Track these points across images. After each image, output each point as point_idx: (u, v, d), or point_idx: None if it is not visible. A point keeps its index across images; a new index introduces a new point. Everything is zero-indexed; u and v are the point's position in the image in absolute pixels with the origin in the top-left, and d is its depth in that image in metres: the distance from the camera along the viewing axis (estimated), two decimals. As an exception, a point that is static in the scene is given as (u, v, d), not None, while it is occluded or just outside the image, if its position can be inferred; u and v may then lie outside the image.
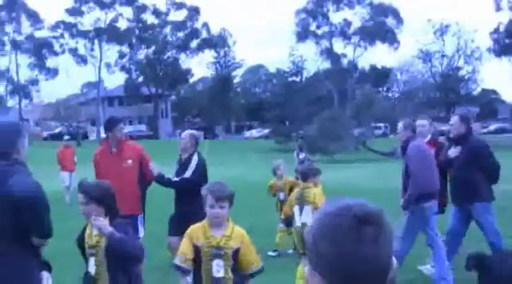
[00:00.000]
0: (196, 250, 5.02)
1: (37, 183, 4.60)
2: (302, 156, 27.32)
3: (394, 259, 1.89)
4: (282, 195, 11.26)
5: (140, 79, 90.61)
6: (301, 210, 8.29)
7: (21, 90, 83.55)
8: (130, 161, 8.61)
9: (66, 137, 23.97)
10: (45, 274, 4.86)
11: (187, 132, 9.57)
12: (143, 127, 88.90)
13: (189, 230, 5.15)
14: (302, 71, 72.16)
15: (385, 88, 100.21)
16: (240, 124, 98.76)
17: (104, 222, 4.94)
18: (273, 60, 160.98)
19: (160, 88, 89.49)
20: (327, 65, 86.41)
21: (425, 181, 8.18)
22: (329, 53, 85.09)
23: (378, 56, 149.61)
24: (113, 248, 4.91)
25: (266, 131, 74.75)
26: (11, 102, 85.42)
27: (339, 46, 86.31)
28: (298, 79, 71.38)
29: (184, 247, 5.07)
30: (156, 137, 76.06)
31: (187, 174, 8.74)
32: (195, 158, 8.93)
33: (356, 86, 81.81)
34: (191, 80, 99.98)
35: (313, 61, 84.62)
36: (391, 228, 1.76)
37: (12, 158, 4.66)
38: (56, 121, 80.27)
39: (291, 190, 11.19)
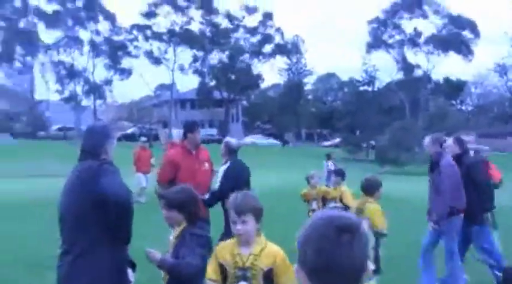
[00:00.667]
0: (223, 269, 4.54)
1: (126, 186, 4.89)
2: (331, 164, 27.56)
3: (370, 264, 2.20)
4: (314, 204, 11.35)
5: (212, 83, 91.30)
6: None
7: (96, 90, 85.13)
8: (206, 164, 8.98)
9: (143, 138, 24.14)
10: (129, 272, 5.06)
11: (225, 139, 9.77)
12: (214, 131, 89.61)
13: (217, 248, 4.73)
14: (374, 81, 71.80)
15: (458, 101, 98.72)
16: (310, 132, 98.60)
17: (155, 256, 4.86)
18: (345, 69, 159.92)
19: (231, 93, 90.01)
20: (399, 75, 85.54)
21: (458, 200, 8.50)
22: (402, 63, 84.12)
23: (451, 68, 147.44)
24: (170, 276, 4.94)
25: (337, 140, 74.42)
26: (86, 102, 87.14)
27: (412, 56, 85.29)
28: (370, 88, 71.02)
29: (211, 268, 4.59)
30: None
31: (216, 187, 8.89)
32: (223, 168, 9.08)
33: (429, 97, 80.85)
34: (262, 86, 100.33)
35: (385, 71, 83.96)
36: (367, 238, 2.16)
37: (101, 158, 4.99)
38: (129, 122, 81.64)
39: (323, 199, 11.55)
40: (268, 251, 4.44)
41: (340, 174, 11.89)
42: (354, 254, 2.08)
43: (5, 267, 10.45)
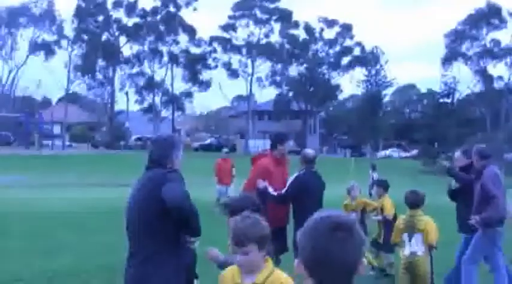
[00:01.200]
0: None
1: (186, 192, 4.98)
2: (375, 175, 27.82)
3: (364, 261, 2.36)
4: (353, 215, 11.14)
5: (290, 94, 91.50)
6: (410, 238, 8.19)
7: (175, 101, 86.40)
8: (288, 175, 9.31)
9: (225, 149, 24.22)
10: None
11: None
12: (291, 142, 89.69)
13: (219, 277, 4.28)
14: (454, 92, 70.72)
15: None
16: (388, 144, 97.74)
17: (216, 255, 4.93)
18: (424, 80, 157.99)
19: (309, 104, 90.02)
20: (479, 86, 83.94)
21: (503, 207, 8.45)
22: (482, 75, 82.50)
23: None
24: None
25: (414, 152, 73.50)
26: (165, 113, 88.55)
27: (491, 67, 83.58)
28: (449, 100, 69.98)
29: None
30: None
31: (283, 190, 8.93)
32: (294, 176, 9.16)
33: (511, 109, 79.10)
34: (340, 97, 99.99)
35: (465, 82, 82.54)
36: (361, 237, 2.32)
37: (167, 167, 5.25)
38: (207, 133, 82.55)
39: (363, 210, 11.47)
40: (273, 280, 3.94)
41: (382, 185, 11.78)
42: (348, 251, 2.26)
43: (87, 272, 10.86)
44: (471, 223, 8.41)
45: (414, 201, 8.29)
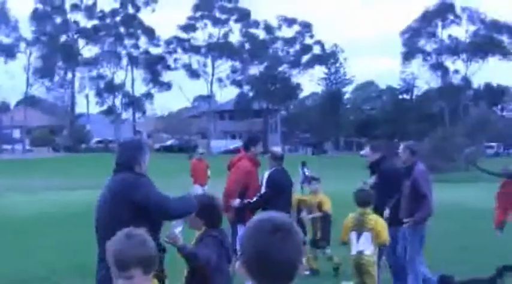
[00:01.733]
0: None
1: (165, 196, 5.21)
2: (307, 172, 28.12)
3: (304, 261, 2.45)
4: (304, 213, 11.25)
5: (251, 94, 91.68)
6: (358, 237, 8.00)
7: (136, 103, 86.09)
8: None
9: (199, 150, 24.25)
10: None
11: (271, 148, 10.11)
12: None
13: None
14: (413, 89, 71.61)
15: (500, 107, 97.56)
16: (349, 140, 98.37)
17: (177, 239, 5.18)
18: (382, 76, 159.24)
19: (270, 103, 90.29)
20: (438, 82, 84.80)
21: (431, 205, 8.69)
22: (440, 70, 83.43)
23: (492, 73, 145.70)
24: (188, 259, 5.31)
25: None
26: (125, 115, 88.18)
27: (449, 63, 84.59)
28: (408, 96, 70.83)
29: None
30: (265, 151, 76.80)
31: (262, 192, 9.16)
32: (266, 174, 9.40)
33: (469, 104, 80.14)
34: (301, 95, 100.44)
35: (424, 78, 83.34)
36: (300, 237, 2.38)
37: (135, 171, 5.35)
38: (168, 134, 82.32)
39: (298, 208, 11.28)
40: None
41: (319, 180, 11.72)
42: (288, 251, 2.31)
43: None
44: (405, 223, 8.64)
45: (364, 199, 8.12)
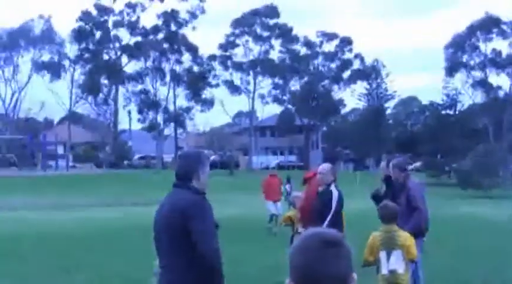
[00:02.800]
0: None
1: (217, 249, 5.15)
2: (288, 187, 28.23)
3: (354, 275, 2.37)
4: (300, 228, 10.86)
5: (293, 109, 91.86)
6: (388, 256, 7.61)
7: (177, 119, 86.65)
8: None
9: (272, 166, 24.38)
10: None
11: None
12: (293, 157, 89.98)
13: None
14: (456, 104, 70.98)
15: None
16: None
17: None
18: (426, 91, 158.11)
19: (312, 119, 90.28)
20: (481, 97, 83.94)
21: (426, 218, 8.93)
22: (483, 85, 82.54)
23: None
24: None
25: (418, 164, 73.64)
26: (167, 131, 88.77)
27: (493, 77, 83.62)
28: (451, 112, 70.24)
29: None
30: (306, 168, 76.76)
31: (333, 208, 9.14)
32: (335, 192, 9.31)
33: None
34: (343, 111, 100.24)
35: (467, 93, 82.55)
36: (351, 252, 2.35)
37: (193, 183, 5.36)
38: (209, 150, 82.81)
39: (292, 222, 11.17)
40: None
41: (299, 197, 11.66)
42: (339, 267, 2.29)
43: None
44: None
45: (390, 215, 7.76)
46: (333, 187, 9.23)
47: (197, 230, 5.07)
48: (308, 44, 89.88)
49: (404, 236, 7.70)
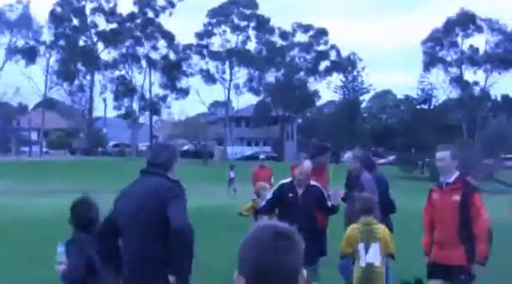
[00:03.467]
0: None
1: (190, 225, 5.14)
2: (231, 174, 31.79)
3: (304, 271, 2.35)
4: (265, 218, 10.93)
5: (268, 100, 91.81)
6: (367, 248, 7.61)
7: (153, 107, 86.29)
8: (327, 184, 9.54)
9: (261, 156, 23.35)
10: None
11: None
12: (268, 148, 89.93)
13: None
14: (431, 99, 71.25)
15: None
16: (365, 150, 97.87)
17: None
18: (400, 85, 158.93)
19: (287, 110, 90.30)
20: (456, 93, 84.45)
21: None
22: (459, 81, 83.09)
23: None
24: None
25: (391, 157, 73.94)
26: (142, 119, 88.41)
27: (469, 74, 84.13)
28: (426, 107, 70.51)
29: None
30: (281, 159, 76.80)
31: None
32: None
33: (488, 116, 79.73)
34: (318, 103, 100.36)
35: (442, 88, 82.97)
36: (302, 246, 2.31)
37: (168, 174, 5.39)
38: (184, 139, 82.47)
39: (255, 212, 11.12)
40: None
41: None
42: (291, 260, 2.25)
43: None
44: None
45: (367, 206, 7.79)
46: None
47: (175, 209, 5.04)
48: (283, 35, 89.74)
49: (383, 229, 7.76)
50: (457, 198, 7.30)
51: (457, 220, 7.27)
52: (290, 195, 8.44)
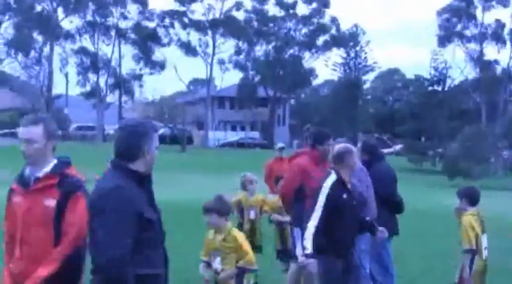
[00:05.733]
0: None
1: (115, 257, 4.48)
2: None
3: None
4: (252, 213, 10.94)
5: (256, 79, 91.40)
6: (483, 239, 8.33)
7: (123, 85, 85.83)
8: None
9: (279, 145, 19.89)
10: None
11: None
12: (256, 134, 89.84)
13: None
14: (445, 79, 71.16)
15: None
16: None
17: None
18: (410, 64, 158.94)
19: (278, 90, 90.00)
20: (474, 73, 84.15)
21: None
22: (478, 60, 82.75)
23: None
24: None
25: (398, 147, 73.93)
26: (111, 98, 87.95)
27: (490, 51, 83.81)
28: (440, 88, 70.46)
29: None
30: (270, 146, 76.72)
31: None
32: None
33: (509, 100, 79.76)
34: (314, 83, 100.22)
35: (458, 68, 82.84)
36: None
37: (130, 166, 4.78)
38: (159, 122, 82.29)
39: (261, 208, 11.22)
40: None
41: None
42: None
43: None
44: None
45: (479, 196, 8.40)
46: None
47: (96, 234, 4.55)
48: (280, 3, 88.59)
49: (466, 220, 8.23)
50: None
51: None
52: (344, 196, 7.91)
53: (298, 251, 8.76)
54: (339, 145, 8.60)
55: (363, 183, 8.87)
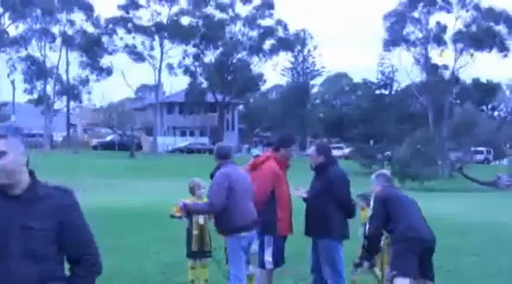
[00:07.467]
0: None
1: None
2: None
3: None
4: (201, 219, 10.50)
5: (205, 84, 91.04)
6: None
7: (70, 91, 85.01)
8: None
9: (254, 151, 20.48)
10: None
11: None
12: (205, 139, 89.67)
13: None
14: (392, 83, 71.75)
15: (490, 107, 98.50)
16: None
17: None
18: (357, 68, 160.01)
19: (227, 95, 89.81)
20: (421, 77, 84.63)
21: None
22: (425, 63, 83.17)
23: (483, 69, 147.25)
24: None
25: (346, 151, 74.28)
26: (58, 105, 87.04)
27: (436, 55, 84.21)
28: (387, 92, 71.03)
29: None
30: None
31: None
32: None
33: (455, 103, 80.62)
34: (263, 88, 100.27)
35: (405, 72, 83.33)
36: None
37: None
38: (107, 128, 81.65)
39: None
40: None
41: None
42: None
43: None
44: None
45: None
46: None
47: None
48: (220, 6, 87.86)
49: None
50: None
51: None
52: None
53: (267, 258, 8.95)
54: None
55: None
